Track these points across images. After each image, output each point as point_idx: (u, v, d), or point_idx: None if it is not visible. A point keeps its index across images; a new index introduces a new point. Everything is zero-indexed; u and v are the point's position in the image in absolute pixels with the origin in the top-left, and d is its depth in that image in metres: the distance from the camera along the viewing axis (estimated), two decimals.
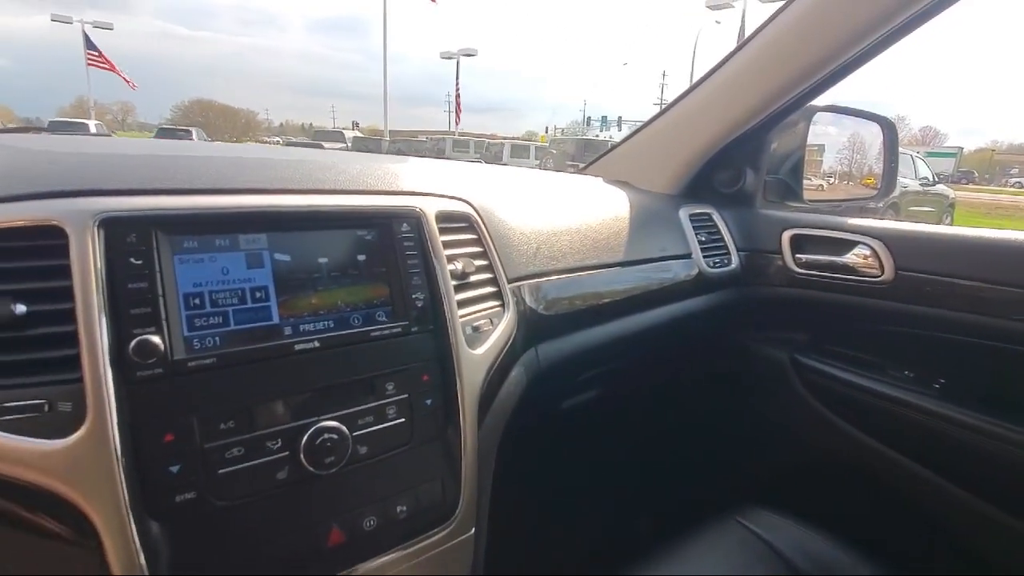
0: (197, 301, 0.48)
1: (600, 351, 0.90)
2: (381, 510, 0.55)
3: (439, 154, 18.45)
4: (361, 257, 0.58)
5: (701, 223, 1.12)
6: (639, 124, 1.39)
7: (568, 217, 0.90)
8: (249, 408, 0.48)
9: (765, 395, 1.22)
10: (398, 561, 0.57)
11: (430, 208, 0.64)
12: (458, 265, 0.65)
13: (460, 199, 0.71)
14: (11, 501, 0.41)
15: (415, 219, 0.62)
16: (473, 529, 0.63)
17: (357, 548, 0.54)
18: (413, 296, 0.60)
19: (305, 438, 0.50)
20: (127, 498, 0.42)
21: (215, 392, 0.47)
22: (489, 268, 0.71)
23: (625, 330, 0.93)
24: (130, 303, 0.45)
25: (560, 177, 1.23)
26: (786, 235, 1.12)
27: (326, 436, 0.50)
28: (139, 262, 0.46)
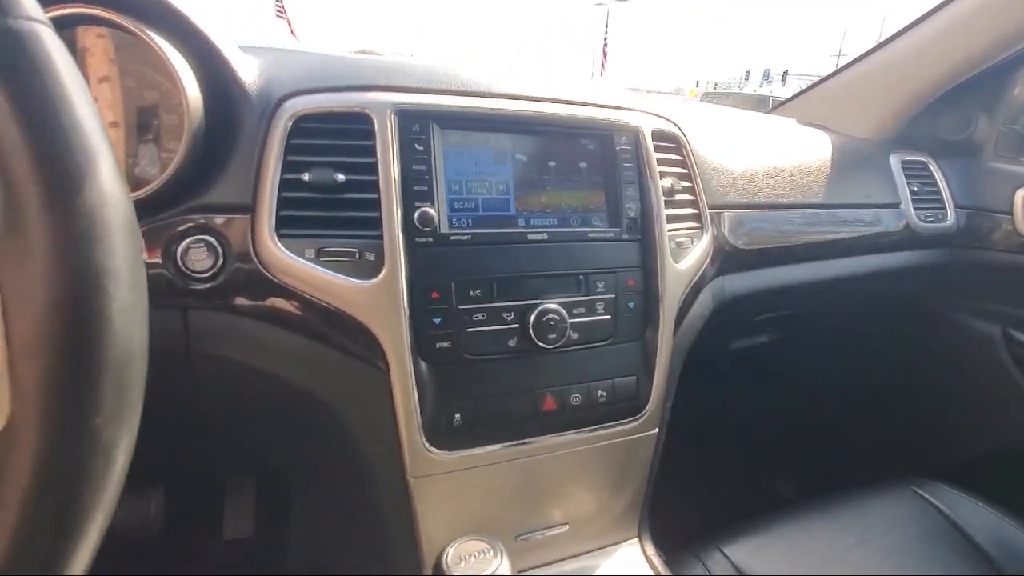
0: (457, 187, 0.57)
1: (784, 293, 0.88)
2: (585, 391, 0.62)
3: None
4: (583, 164, 0.63)
5: (914, 172, 1.01)
6: (807, 78, 1.27)
7: (765, 153, 0.87)
8: (491, 282, 0.57)
9: (963, 368, 1.10)
10: (593, 439, 0.64)
11: (647, 125, 0.67)
12: (667, 182, 0.68)
13: (671, 120, 0.72)
14: (331, 327, 0.54)
15: (634, 134, 0.66)
16: (657, 429, 0.68)
17: (564, 418, 0.62)
18: (626, 206, 0.64)
19: (534, 315, 0.57)
20: (408, 335, 0.53)
21: (467, 264, 0.56)
22: (692, 190, 0.72)
23: (815, 275, 0.89)
24: (413, 181, 0.54)
25: (753, 115, 1.17)
26: (1020, 193, 0.97)
27: (549, 316, 0.58)
28: (420, 148, 0.55)
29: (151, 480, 0.89)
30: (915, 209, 0.97)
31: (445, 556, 0.47)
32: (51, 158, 0.22)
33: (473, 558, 0.47)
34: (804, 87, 1.30)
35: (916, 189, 0.99)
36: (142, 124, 0.53)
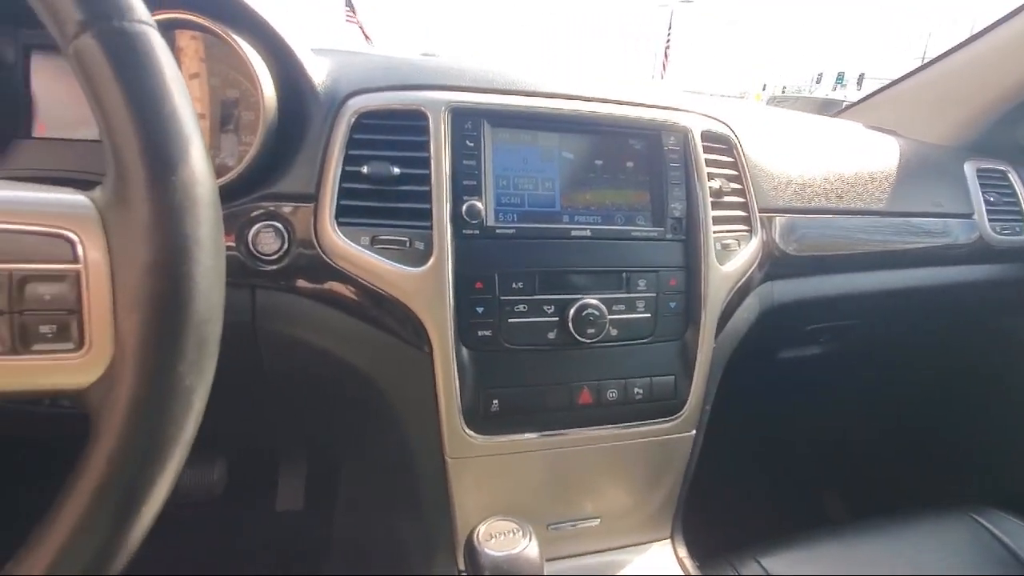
0: (504, 182, 0.59)
1: (840, 302, 0.85)
2: (621, 387, 0.63)
3: None
4: (629, 164, 0.64)
5: (992, 181, 0.95)
6: (885, 82, 1.21)
7: (824, 157, 0.85)
8: (533, 275, 0.59)
9: None
10: (628, 436, 0.65)
11: (696, 126, 0.67)
12: (715, 184, 0.67)
13: (722, 121, 0.72)
14: (381, 310, 0.58)
15: (682, 135, 0.66)
16: (694, 431, 0.68)
17: (599, 413, 0.63)
18: (671, 206, 0.64)
19: (573, 309, 0.59)
20: (452, 322, 0.56)
21: (512, 257, 0.58)
22: (742, 192, 0.71)
23: (874, 286, 0.86)
24: (463, 176, 0.57)
25: (815, 118, 1.14)
26: None
27: (589, 311, 0.59)
28: (471, 144, 0.58)
29: (216, 448, 0.97)
30: (990, 220, 0.92)
31: (476, 532, 0.50)
32: (153, 142, 0.26)
33: (503, 536, 0.49)
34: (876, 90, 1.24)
35: (992, 199, 0.94)
36: (223, 118, 0.58)
